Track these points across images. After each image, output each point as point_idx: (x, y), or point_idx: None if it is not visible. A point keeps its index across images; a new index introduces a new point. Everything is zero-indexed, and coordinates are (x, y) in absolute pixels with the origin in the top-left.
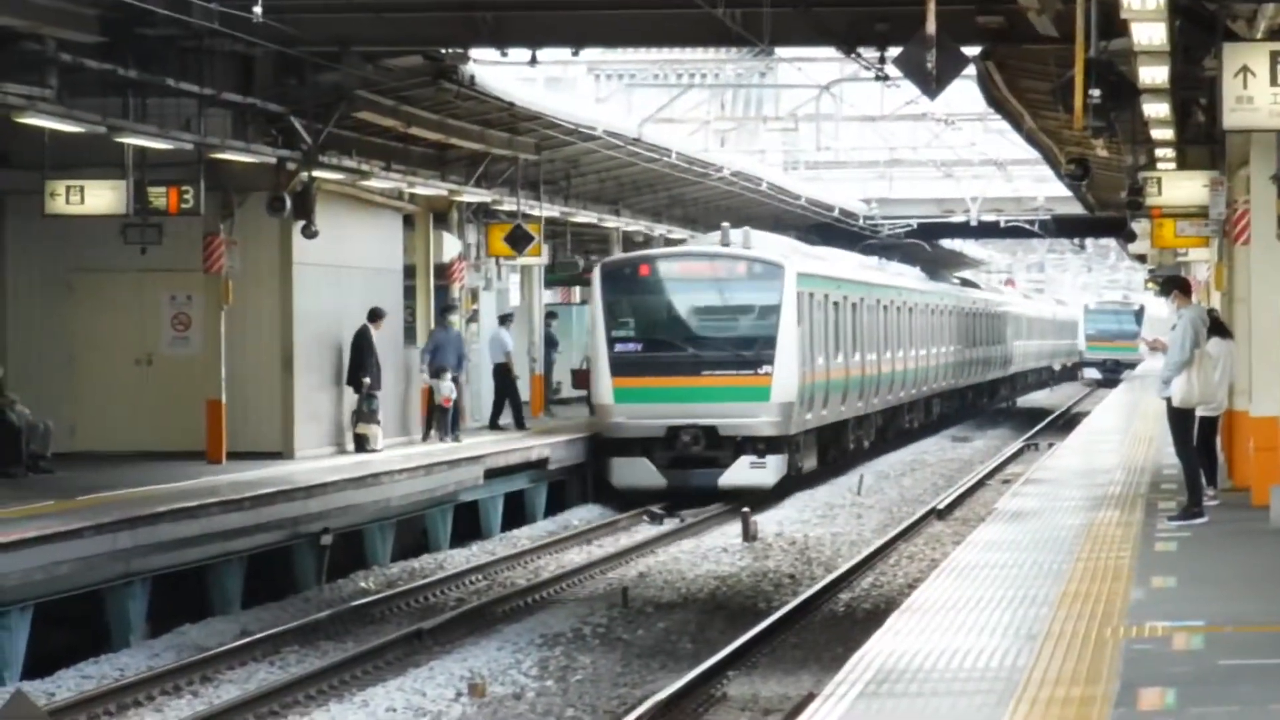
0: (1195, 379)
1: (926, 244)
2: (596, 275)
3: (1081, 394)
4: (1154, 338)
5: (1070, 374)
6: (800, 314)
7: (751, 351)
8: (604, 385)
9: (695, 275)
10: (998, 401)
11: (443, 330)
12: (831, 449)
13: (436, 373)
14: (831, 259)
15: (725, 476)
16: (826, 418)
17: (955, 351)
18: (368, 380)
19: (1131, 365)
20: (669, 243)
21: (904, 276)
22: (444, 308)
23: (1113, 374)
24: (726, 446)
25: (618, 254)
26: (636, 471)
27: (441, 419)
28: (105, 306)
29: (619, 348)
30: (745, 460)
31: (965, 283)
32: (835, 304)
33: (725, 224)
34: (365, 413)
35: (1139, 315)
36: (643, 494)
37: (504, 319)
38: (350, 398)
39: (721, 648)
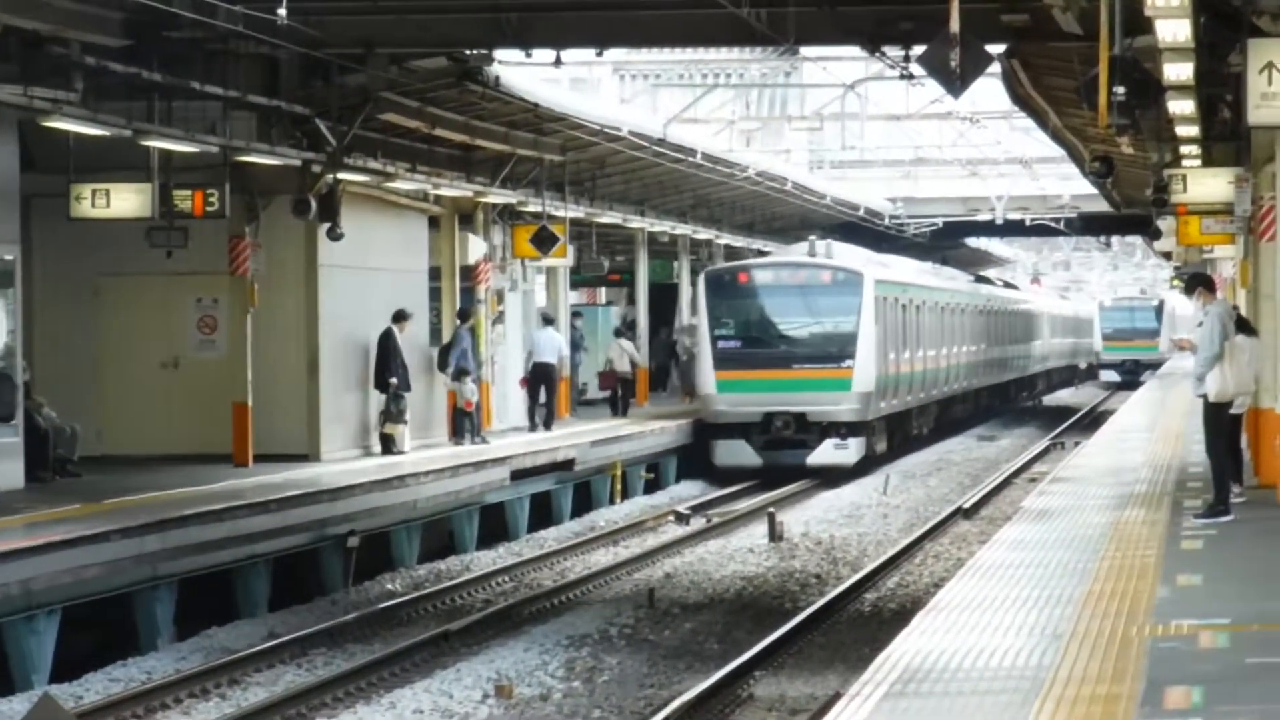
0: (1229, 372)
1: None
2: (701, 282)
3: (1106, 392)
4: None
5: (1093, 372)
6: (876, 315)
7: (835, 348)
8: (707, 377)
9: (787, 282)
10: (1036, 394)
11: (469, 333)
12: (898, 434)
13: (458, 375)
14: (897, 265)
15: (812, 456)
16: (896, 406)
17: (998, 349)
18: (394, 381)
19: (1153, 366)
20: (694, 244)
21: (956, 280)
22: (461, 312)
23: (1132, 375)
24: (813, 430)
25: (720, 263)
26: (736, 452)
27: (465, 422)
28: (131, 310)
29: (721, 345)
30: (830, 443)
31: (1006, 284)
32: (903, 306)
33: (812, 236)
34: (393, 413)
35: (1159, 311)
36: (741, 471)
37: (549, 319)
38: (376, 400)
39: (748, 648)
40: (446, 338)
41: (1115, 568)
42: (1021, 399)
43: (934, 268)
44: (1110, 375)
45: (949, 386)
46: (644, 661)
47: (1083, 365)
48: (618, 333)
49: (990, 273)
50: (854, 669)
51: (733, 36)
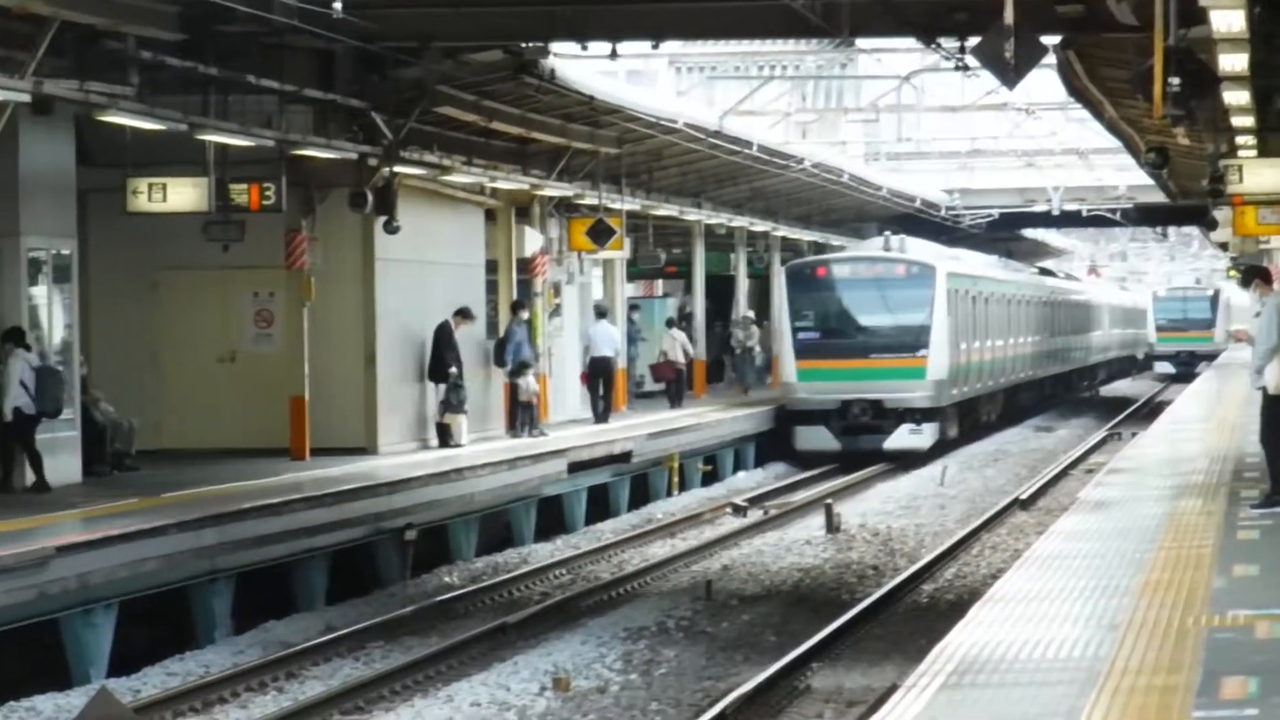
0: None
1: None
2: (782, 276)
3: (1163, 383)
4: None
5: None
6: (949, 307)
7: (910, 338)
8: (789, 367)
9: (864, 276)
10: (1096, 383)
11: (522, 327)
12: (968, 420)
13: (519, 370)
14: (966, 259)
15: (889, 441)
16: (966, 394)
17: (1061, 339)
18: (454, 371)
19: (1208, 357)
20: (751, 236)
21: (1020, 273)
22: (515, 304)
23: (1187, 367)
24: (890, 416)
25: (802, 258)
26: (816, 437)
27: (525, 414)
28: (188, 304)
29: (801, 336)
30: (905, 428)
31: (1068, 276)
32: (973, 298)
33: (887, 232)
34: (453, 403)
35: (1214, 301)
36: (821, 455)
37: (603, 312)
38: (433, 392)
39: (805, 640)
40: (502, 332)
41: (1171, 558)
42: (1083, 388)
43: (1000, 261)
44: (1164, 367)
45: (1015, 375)
46: (701, 654)
47: (1140, 356)
48: (669, 323)
49: (1049, 264)
50: (911, 660)
51: (787, 29)
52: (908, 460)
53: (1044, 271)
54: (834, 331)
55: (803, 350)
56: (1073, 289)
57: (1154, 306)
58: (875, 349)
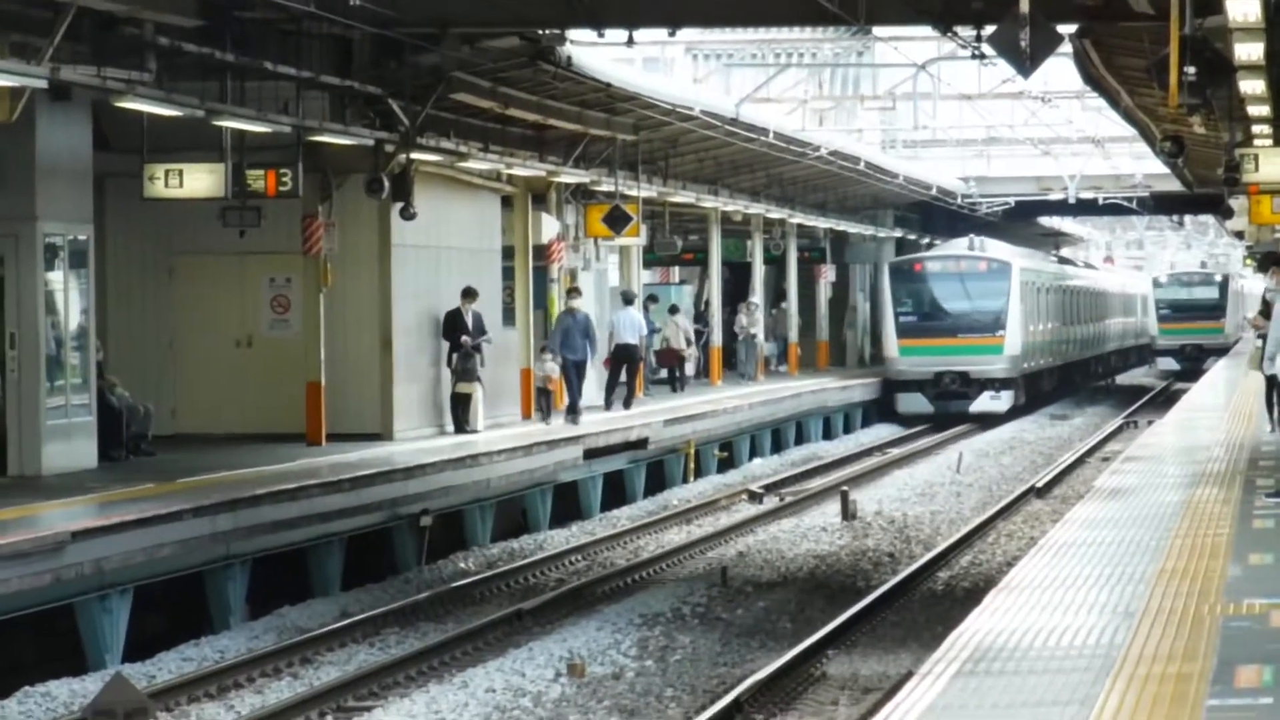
0: None
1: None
2: (886, 270)
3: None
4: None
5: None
6: (1021, 296)
7: (991, 320)
8: (891, 345)
9: (953, 270)
10: (1131, 365)
11: (569, 316)
12: (1033, 389)
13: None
14: (1032, 256)
15: (974, 405)
16: (1033, 367)
17: (1101, 324)
18: (466, 339)
19: (1217, 351)
20: (767, 223)
21: (1066, 266)
22: (570, 290)
23: (1193, 362)
24: (974, 385)
25: (903, 255)
26: (913, 402)
27: (543, 400)
28: (205, 289)
29: (901, 319)
30: (986, 394)
31: (1086, 264)
32: (1037, 289)
33: (970, 235)
34: (461, 371)
35: (1224, 287)
36: (918, 418)
37: (630, 298)
38: (448, 378)
39: (821, 627)
40: (518, 317)
41: (1187, 546)
42: (1123, 366)
43: (1052, 256)
44: (1168, 362)
45: (1069, 354)
46: (717, 640)
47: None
48: (673, 310)
49: (1064, 251)
50: (926, 648)
51: (805, 16)
52: (987, 421)
53: (1063, 261)
54: (928, 315)
55: (903, 331)
56: (1110, 279)
57: (1154, 293)
58: (963, 329)
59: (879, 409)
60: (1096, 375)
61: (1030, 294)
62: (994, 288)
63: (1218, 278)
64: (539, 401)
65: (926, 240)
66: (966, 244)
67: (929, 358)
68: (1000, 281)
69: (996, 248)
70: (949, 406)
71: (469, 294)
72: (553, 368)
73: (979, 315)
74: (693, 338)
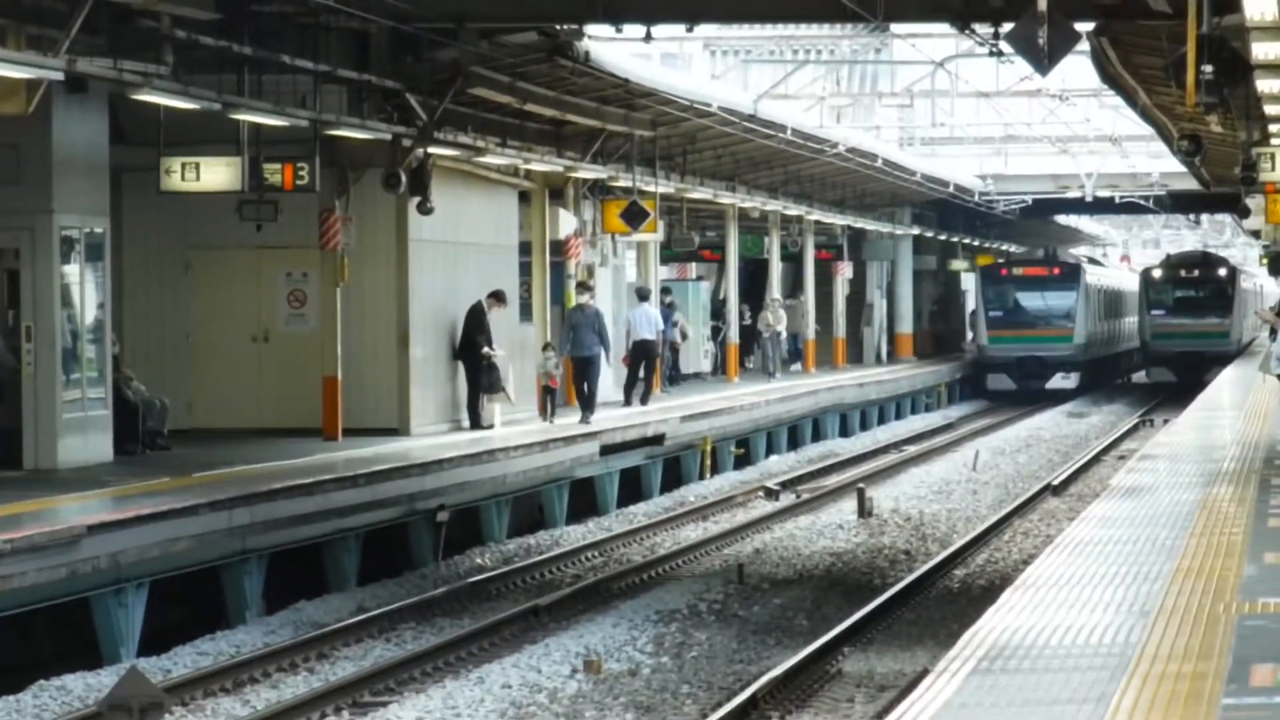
0: None
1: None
2: (977, 273)
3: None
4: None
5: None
6: (1087, 295)
7: (1064, 314)
8: (983, 334)
9: (1033, 274)
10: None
11: (579, 312)
12: (1095, 374)
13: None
14: (1093, 261)
15: (1049, 384)
16: (1095, 354)
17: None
18: (487, 350)
19: (1221, 359)
20: (785, 220)
21: (1118, 268)
22: (579, 285)
23: (1193, 370)
24: (1049, 367)
25: (991, 263)
26: (1000, 381)
27: (548, 398)
28: (221, 283)
29: (990, 313)
30: (1059, 375)
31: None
32: (1098, 289)
33: (1047, 245)
34: (484, 385)
35: (1230, 282)
36: (1003, 394)
37: (647, 294)
38: (462, 373)
39: (837, 624)
40: (535, 313)
41: (1203, 545)
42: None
43: (1101, 259)
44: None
45: (1120, 345)
46: (733, 637)
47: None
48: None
49: (1081, 250)
50: (942, 645)
51: (823, 13)
52: (1055, 395)
53: (1093, 262)
54: (1013, 310)
55: (992, 324)
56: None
57: (1143, 288)
58: (1041, 322)
59: (968, 386)
60: (1136, 366)
61: (1094, 293)
62: (1067, 287)
63: (1221, 271)
64: (542, 400)
65: (944, 237)
66: (1043, 253)
67: (1013, 345)
68: (1073, 282)
69: (1065, 254)
70: (1029, 385)
71: (499, 298)
72: (555, 365)
73: (1054, 310)
74: (690, 333)
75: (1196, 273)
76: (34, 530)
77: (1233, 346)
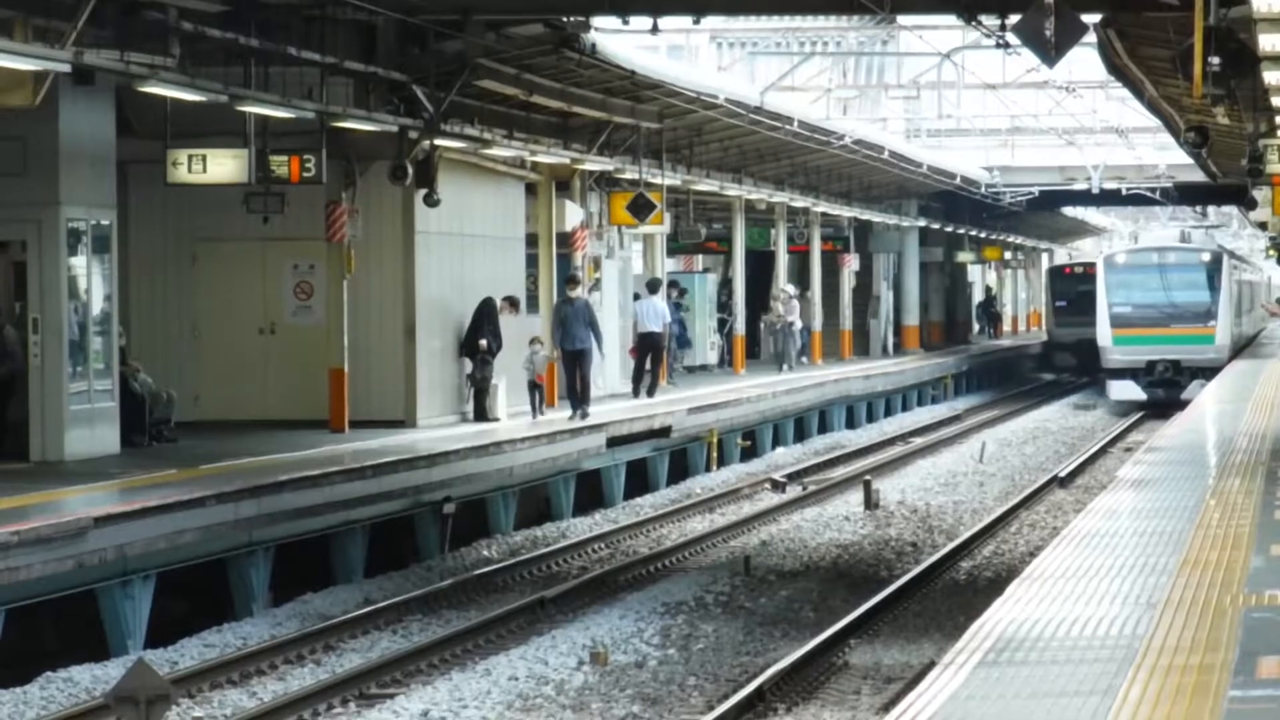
0: None
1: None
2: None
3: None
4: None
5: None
6: (1229, 287)
7: (1204, 311)
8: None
9: (1166, 262)
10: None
11: (567, 305)
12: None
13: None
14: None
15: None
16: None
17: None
18: (484, 343)
19: (1205, 372)
20: (791, 212)
21: (1246, 261)
22: (567, 278)
23: (1167, 390)
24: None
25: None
26: (1126, 389)
27: (535, 394)
28: (228, 275)
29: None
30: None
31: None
32: (1237, 281)
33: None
34: (480, 379)
35: (1214, 270)
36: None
37: (654, 286)
38: (468, 366)
39: (843, 616)
40: (542, 305)
41: (1210, 537)
42: None
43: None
44: (1124, 389)
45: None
46: (739, 629)
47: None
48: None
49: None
50: (949, 637)
51: (829, 4)
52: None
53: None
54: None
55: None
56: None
57: (1105, 277)
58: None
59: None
60: None
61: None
62: (1207, 279)
63: (1205, 256)
64: (530, 396)
65: (951, 229)
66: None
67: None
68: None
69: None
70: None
71: (513, 304)
72: (541, 360)
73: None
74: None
75: (1173, 260)
76: (41, 522)
77: (1217, 355)
